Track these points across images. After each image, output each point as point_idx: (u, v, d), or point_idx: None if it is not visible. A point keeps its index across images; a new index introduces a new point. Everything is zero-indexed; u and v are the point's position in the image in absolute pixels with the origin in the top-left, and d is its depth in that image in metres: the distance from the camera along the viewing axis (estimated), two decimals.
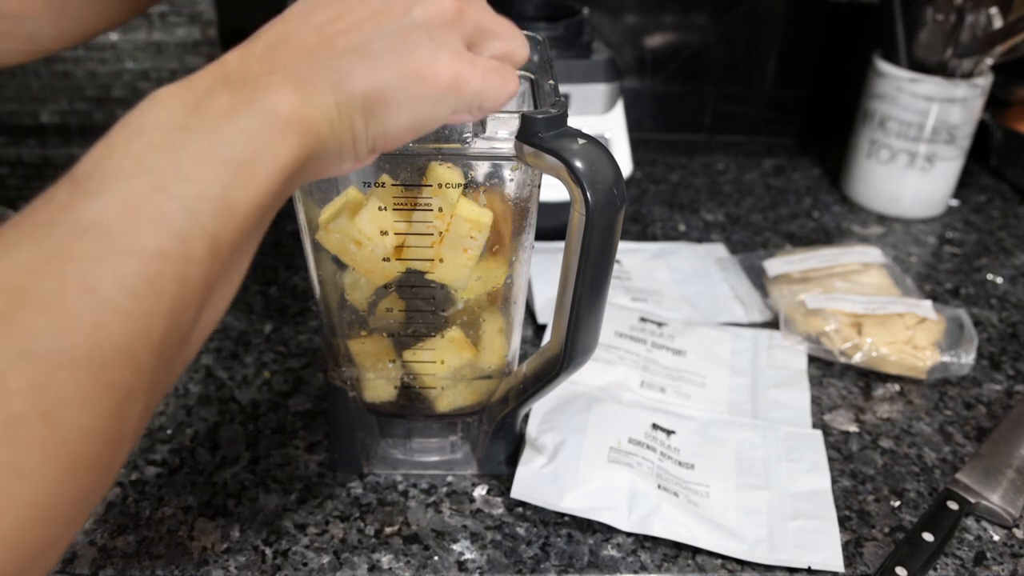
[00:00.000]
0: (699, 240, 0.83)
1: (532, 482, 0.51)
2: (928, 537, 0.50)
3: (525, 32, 0.48)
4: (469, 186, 0.42)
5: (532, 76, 0.44)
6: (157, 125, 0.28)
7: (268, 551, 0.49)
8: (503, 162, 0.41)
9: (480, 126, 0.39)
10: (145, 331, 0.25)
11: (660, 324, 0.67)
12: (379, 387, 0.50)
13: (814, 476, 0.54)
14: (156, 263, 0.25)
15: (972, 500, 0.53)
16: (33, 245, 0.25)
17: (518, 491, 0.51)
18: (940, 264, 0.81)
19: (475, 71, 0.33)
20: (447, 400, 0.51)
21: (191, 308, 0.27)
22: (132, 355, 0.25)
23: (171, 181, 0.26)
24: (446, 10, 0.33)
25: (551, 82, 0.42)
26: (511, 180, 0.42)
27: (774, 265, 0.74)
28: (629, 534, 0.50)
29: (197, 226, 0.26)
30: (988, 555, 0.50)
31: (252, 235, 0.30)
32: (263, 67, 0.30)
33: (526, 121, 0.38)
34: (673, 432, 0.57)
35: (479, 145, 0.40)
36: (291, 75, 0.30)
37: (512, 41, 0.36)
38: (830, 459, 0.56)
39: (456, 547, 0.49)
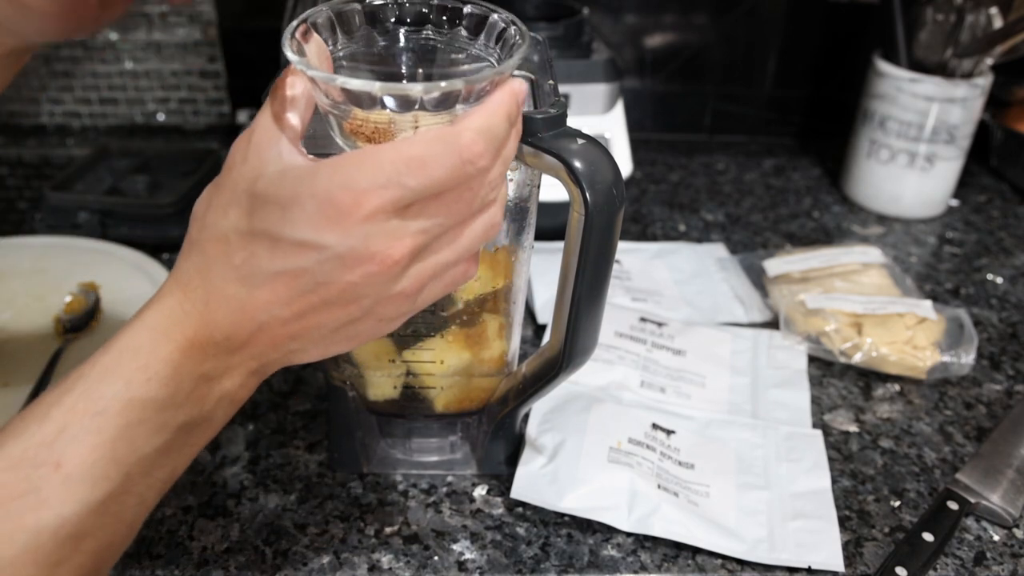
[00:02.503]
0: (699, 240, 0.83)
1: (532, 482, 0.51)
2: (928, 537, 0.50)
3: None
4: None
5: (532, 76, 0.44)
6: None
7: (268, 551, 0.49)
8: None
9: None
10: None
11: (660, 324, 0.67)
12: (379, 387, 0.50)
13: (814, 476, 0.54)
14: None
15: (972, 500, 0.53)
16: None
17: (518, 491, 0.51)
18: (940, 264, 0.81)
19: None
20: (447, 400, 0.51)
21: None
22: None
23: None
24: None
25: (551, 82, 0.42)
26: (511, 180, 0.42)
27: (774, 265, 0.74)
28: (629, 534, 0.50)
29: None
30: (988, 555, 0.50)
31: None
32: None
33: (526, 121, 0.38)
34: (673, 432, 0.57)
35: None
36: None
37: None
38: (830, 459, 0.56)
39: (456, 547, 0.49)
